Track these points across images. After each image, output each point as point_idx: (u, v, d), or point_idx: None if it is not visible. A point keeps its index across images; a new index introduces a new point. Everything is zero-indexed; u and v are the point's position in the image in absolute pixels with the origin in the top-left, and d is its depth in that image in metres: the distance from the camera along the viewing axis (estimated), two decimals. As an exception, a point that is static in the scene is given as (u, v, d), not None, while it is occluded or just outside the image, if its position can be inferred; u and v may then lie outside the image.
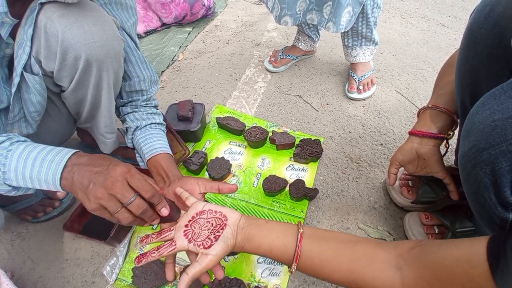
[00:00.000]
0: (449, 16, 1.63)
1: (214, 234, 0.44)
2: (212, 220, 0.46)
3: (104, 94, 0.60)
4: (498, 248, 0.34)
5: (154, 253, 0.44)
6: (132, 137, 0.70)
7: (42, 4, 0.48)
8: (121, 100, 0.70)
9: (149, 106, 0.72)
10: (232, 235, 0.44)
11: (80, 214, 0.70)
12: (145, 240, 0.47)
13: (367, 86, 1.10)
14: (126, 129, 0.71)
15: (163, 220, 0.47)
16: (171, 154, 0.67)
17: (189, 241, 0.44)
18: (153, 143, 0.66)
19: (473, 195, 0.41)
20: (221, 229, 0.44)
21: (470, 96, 0.52)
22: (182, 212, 0.49)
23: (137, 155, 0.71)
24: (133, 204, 0.42)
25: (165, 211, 0.45)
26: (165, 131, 0.73)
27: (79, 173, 0.41)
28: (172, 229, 0.47)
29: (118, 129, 0.88)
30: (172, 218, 0.47)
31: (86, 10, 0.50)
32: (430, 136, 0.61)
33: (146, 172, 0.73)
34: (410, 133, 0.64)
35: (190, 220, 0.46)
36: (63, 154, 0.43)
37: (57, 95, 0.61)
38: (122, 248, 0.66)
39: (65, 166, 0.42)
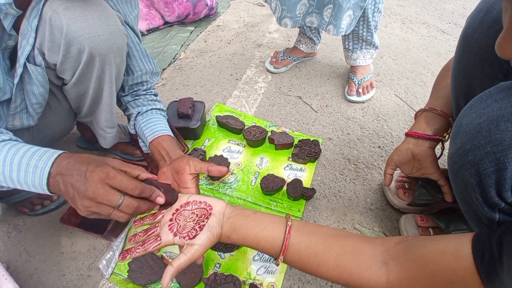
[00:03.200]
0: (449, 22, 1.65)
1: (199, 224, 0.43)
2: (197, 211, 0.45)
3: (106, 88, 0.60)
4: (483, 243, 0.34)
5: (139, 248, 0.43)
6: (134, 123, 0.71)
7: None
8: (122, 93, 0.71)
9: (149, 94, 0.73)
10: (217, 224, 0.43)
11: (77, 208, 0.70)
12: (132, 239, 0.46)
13: (367, 89, 1.11)
14: (129, 117, 0.72)
15: (162, 206, 0.46)
16: (172, 136, 0.68)
17: (174, 235, 0.43)
18: (154, 126, 0.67)
19: (461, 195, 0.42)
20: (206, 218, 0.43)
21: (464, 99, 0.53)
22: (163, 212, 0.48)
23: (139, 140, 0.72)
24: (123, 205, 0.41)
25: (160, 200, 0.44)
26: (166, 117, 0.74)
27: (63, 183, 0.41)
28: (157, 226, 0.46)
29: (118, 125, 0.89)
30: (171, 202, 0.47)
31: (91, 4, 0.51)
32: (425, 137, 0.62)
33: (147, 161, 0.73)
34: (407, 134, 0.65)
35: (174, 213, 0.45)
36: (46, 158, 0.42)
37: (59, 88, 0.62)
38: (118, 243, 0.66)
39: (49, 174, 0.42)
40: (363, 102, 1.11)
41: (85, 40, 0.50)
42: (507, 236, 0.34)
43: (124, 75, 0.66)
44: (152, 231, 0.45)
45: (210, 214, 0.44)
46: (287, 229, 0.43)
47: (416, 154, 0.63)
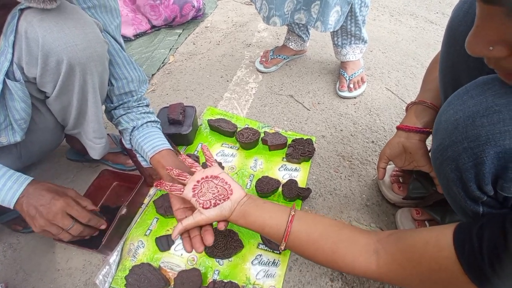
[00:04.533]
0: (437, 12, 1.65)
1: (216, 200, 0.49)
2: (219, 188, 0.51)
3: (90, 98, 0.59)
4: (464, 234, 0.36)
5: (167, 186, 0.52)
6: (130, 138, 0.70)
7: (22, 10, 0.47)
8: (112, 104, 0.69)
9: (141, 106, 0.72)
10: (229, 209, 0.49)
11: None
12: (159, 186, 0.54)
13: (358, 84, 1.10)
14: (122, 131, 0.71)
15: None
16: (172, 149, 0.68)
17: (193, 196, 0.50)
18: (154, 141, 0.67)
19: (446, 189, 0.43)
20: (223, 200, 0.49)
21: (452, 92, 0.53)
22: (199, 168, 0.55)
23: (138, 155, 0.71)
24: (72, 229, 0.56)
25: (103, 227, 0.61)
26: (161, 129, 0.74)
27: (26, 204, 0.53)
28: (188, 177, 0.53)
29: (108, 134, 0.88)
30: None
31: (66, 13, 0.49)
32: (416, 130, 0.62)
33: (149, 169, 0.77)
34: (398, 128, 0.66)
35: (203, 178, 0.52)
36: (20, 182, 0.54)
37: (42, 102, 0.60)
38: (115, 256, 0.65)
39: (20, 194, 0.53)
40: (354, 98, 1.10)
41: (62, 50, 0.49)
42: (487, 227, 0.35)
43: (108, 85, 0.65)
44: (182, 178, 0.54)
45: (228, 198, 0.50)
46: (289, 218, 0.48)
47: (407, 147, 0.63)
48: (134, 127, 0.69)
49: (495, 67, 0.30)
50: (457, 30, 0.48)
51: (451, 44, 0.50)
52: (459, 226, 0.37)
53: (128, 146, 0.72)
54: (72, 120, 0.63)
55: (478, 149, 0.35)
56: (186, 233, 0.52)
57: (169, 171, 0.55)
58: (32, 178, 0.56)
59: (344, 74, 1.11)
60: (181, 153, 0.82)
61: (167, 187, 0.52)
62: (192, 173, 0.55)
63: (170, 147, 0.68)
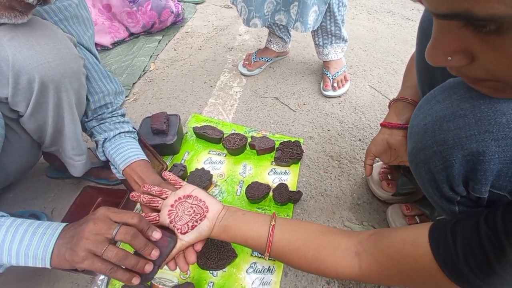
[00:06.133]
0: (413, 9, 1.70)
1: (193, 222, 0.48)
2: (195, 207, 0.49)
3: (67, 115, 0.56)
4: (438, 232, 0.37)
5: (143, 212, 0.51)
6: (103, 150, 0.68)
7: None
8: (86, 119, 0.67)
9: (115, 116, 0.69)
10: (208, 228, 0.48)
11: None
12: (136, 198, 0.52)
13: (341, 83, 1.11)
14: (96, 143, 0.68)
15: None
16: (146, 159, 0.66)
17: (170, 222, 0.48)
18: (125, 152, 0.65)
19: (423, 189, 0.44)
20: (200, 220, 0.48)
21: (430, 89, 0.54)
22: (184, 183, 0.53)
23: (112, 167, 0.69)
24: (120, 231, 0.41)
25: (157, 234, 0.45)
26: (137, 138, 0.71)
27: (67, 245, 0.41)
28: (160, 203, 0.51)
29: (89, 148, 0.84)
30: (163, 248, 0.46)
31: (37, 29, 0.47)
32: (398, 127, 0.63)
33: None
34: (381, 125, 0.67)
35: (176, 201, 0.50)
36: (54, 227, 0.44)
37: (15, 121, 0.57)
38: (102, 276, 0.63)
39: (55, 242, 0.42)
40: (339, 96, 1.11)
41: (33, 68, 0.46)
42: (460, 224, 0.35)
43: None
44: (155, 204, 0.51)
45: (204, 216, 0.48)
46: (270, 228, 0.48)
47: (391, 143, 0.64)
48: (105, 139, 0.67)
49: (458, 74, 0.30)
50: (428, 29, 0.49)
51: (424, 43, 0.51)
52: (434, 224, 0.38)
53: (102, 158, 0.69)
54: (48, 138, 0.60)
55: (447, 153, 0.36)
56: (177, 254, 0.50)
57: (136, 198, 0.52)
58: (64, 224, 0.45)
59: (327, 74, 1.12)
60: (167, 164, 0.79)
61: (143, 213, 0.51)
62: (174, 190, 0.53)
63: (143, 157, 0.65)
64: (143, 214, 0.49)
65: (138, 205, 0.78)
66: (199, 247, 0.49)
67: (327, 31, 1.04)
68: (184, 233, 0.47)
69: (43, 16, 0.52)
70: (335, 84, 1.11)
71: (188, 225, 0.48)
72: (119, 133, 0.67)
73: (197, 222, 0.48)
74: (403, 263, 0.39)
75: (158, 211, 0.51)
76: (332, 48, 1.09)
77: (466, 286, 0.34)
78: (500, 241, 0.30)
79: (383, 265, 0.41)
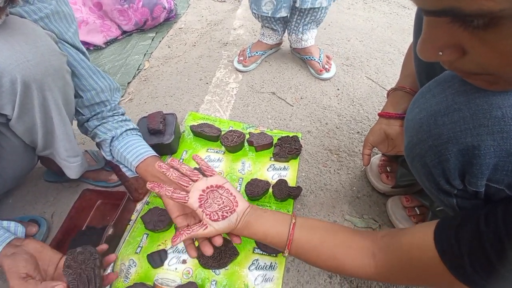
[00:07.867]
0: (409, -4, 1.67)
1: (223, 212, 0.48)
2: (225, 199, 0.50)
3: (55, 115, 0.55)
4: (442, 235, 0.37)
5: (168, 191, 0.48)
6: (110, 149, 0.67)
7: None
8: (84, 117, 0.66)
9: (116, 115, 0.69)
10: (236, 221, 0.49)
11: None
12: (153, 186, 0.49)
13: (328, 63, 1.15)
14: (101, 143, 0.68)
15: None
16: (158, 156, 0.66)
17: (200, 206, 0.48)
18: (137, 149, 0.64)
19: (421, 182, 0.44)
20: (230, 212, 0.48)
21: (427, 79, 0.53)
22: (200, 176, 0.52)
23: (121, 166, 0.68)
24: None
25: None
26: (141, 136, 0.71)
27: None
28: (191, 183, 0.50)
29: (86, 151, 0.84)
30: None
31: (16, 29, 0.46)
32: (396, 116, 0.63)
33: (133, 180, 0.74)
34: (379, 115, 0.67)
35: (208, 187, 0.50)
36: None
37: (5, 126, 0.56)
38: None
39: None
40: (333, 77, 1.14)
41: (14, 68, 0.45)
42: (463, 229, 0.35)
43: (77, 97, 0.62)
44: (186, 180, 0.50)
45: (234, 210, 0.49)
46: (291, 225, 0.49)
47: (388, 133, 0.64)
48: (113, 137, 0.66)
49: (451, 68, 0.30)
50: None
51: (419, 33, 0.50)
52: (438, 226, 0.38)
53: (108, 157, 0.68)
54: (40, 140, 0.59)
55: (442, 147, 0.36)
56: (189, 240, 0.51)
57: (164, 171, 0.50)
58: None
59: (313, 59, 1.14)
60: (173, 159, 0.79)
61: (168, 192, 0.48)
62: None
63: (155, 154, 0.66)
64: (170, 192, 0.48)
65: (138, 206, 0.78)
66: (220, 241, 0.50)
67: (315, 18, 1.05)
68: (214, 220, 0.47)
69: (22, 15, 0.51)
70: (326, 66, 1.13)
71: (217, 213, 0.48)
72: (125, 131, 0.67)
73: (227, 213, 0.48)
74: (413, 264, 0.40)
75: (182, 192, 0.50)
76: (310, 33, 1.12)
77: (475, 287, 0.34)
78: (502, 243, 0.31)
79: (396, 265, 0.42)
